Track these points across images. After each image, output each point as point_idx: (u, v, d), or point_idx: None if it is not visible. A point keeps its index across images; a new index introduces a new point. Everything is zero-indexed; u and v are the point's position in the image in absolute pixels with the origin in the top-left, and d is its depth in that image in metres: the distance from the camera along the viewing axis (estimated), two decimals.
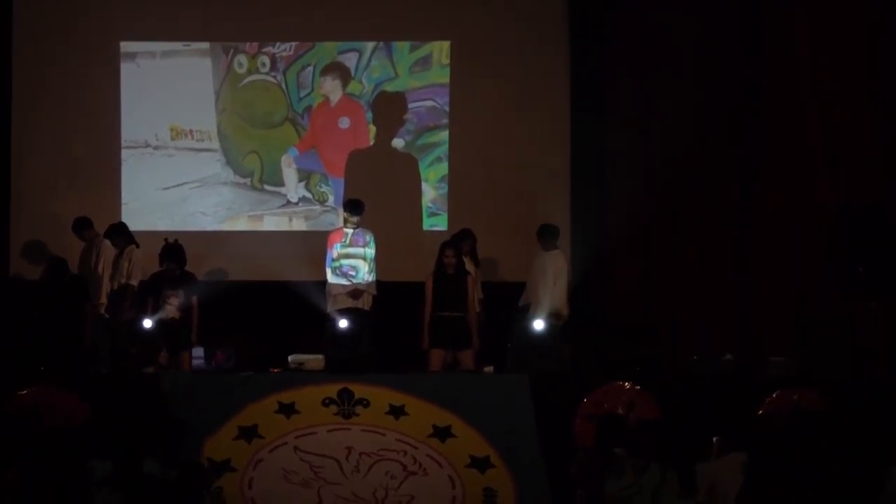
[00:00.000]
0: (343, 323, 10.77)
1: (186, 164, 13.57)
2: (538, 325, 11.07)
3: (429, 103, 13.59)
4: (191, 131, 13.60)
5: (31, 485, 7.85)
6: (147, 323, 10.91)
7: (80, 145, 13.37)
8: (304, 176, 13.55)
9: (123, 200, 13.40)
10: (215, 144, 13.56)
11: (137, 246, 12.13)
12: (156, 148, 13.56)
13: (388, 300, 11.98)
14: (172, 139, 13.58)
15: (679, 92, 12.88)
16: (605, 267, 12.96)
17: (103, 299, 11.99)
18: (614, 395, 9.58)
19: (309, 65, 13.57)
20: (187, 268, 11.62)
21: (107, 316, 11.92)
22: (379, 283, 11.80)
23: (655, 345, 11.53)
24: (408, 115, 13.56)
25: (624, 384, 9.67)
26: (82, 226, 12.38)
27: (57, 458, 7.99)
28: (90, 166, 13.37)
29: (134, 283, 11.93)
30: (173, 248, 11.57)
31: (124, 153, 13.45)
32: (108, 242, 12.19)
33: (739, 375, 10.21)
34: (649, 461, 8.12)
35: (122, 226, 12.33)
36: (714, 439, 8.14)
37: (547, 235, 11.95)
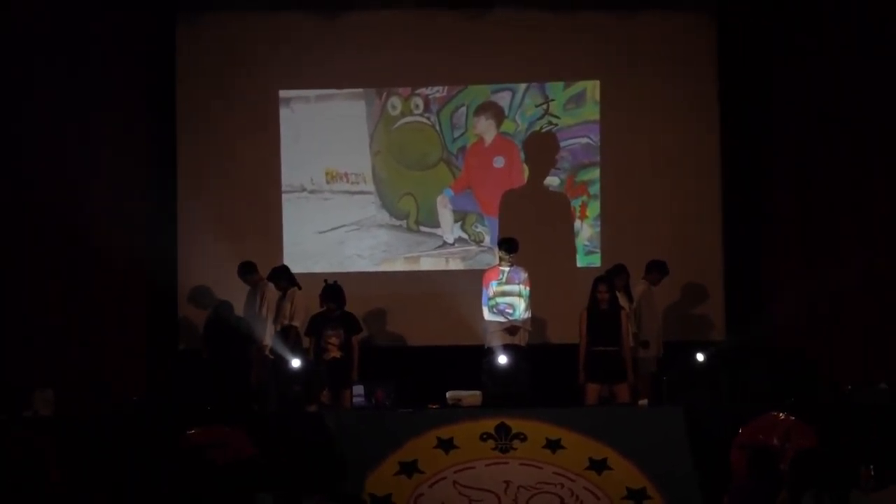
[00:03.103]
0: (502, 359, 10.93)
1: (342, 207, 13.85)
2: (699, 357, 11.21)
3: (583, 140, 13.79)
4: (346, 174, 13.88)
5: None
6: (296, 363, 11.20)
7: (243, 192, 13.77)
8: (460, 216, 13.81)
9: (284, 244, 13.75)
10: (370, 187, 13.85)
11: (300, 288, 12.49)
12: (311, 192, 13.86)
13: (542, 337, 12.28)
14: (328, 183, 13.87)
15: (838, 131, 13.08)
16: (761, 296, 13.16)
17: (268, 341, 12.37)
18: (770, 426, 9.69)
19: (462, 105, 13.83)
20: (347, 308, 12.04)
21: (271, 357, 12.28)
22: (534, 320, 12.17)
23: (812, 374, 11.59)
24: (561, 154, 13.79)
25: (779, 415, 9.79)
26: (247, 270, 12.72)
27: (224, 492, 8.41)
28: (253, 212, 13.73)
29: (297, 323, 12.31)
30: (333, 289, 12.00)
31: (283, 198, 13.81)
32: (271, 285, 12.53)
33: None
34: (804, 491, 8.22)
35: (285, 269, 12.69)
36: (866, 468, 8.21)
37: (664, 270, 12.44)
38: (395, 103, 13.89)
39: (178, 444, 9.63)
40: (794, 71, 13.27)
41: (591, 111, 13.76)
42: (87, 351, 13.09)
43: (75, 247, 13.14)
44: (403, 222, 13.86)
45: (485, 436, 10.04)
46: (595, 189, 13.74)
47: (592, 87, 13.76)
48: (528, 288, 12.03)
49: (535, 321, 12.36)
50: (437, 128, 13.85)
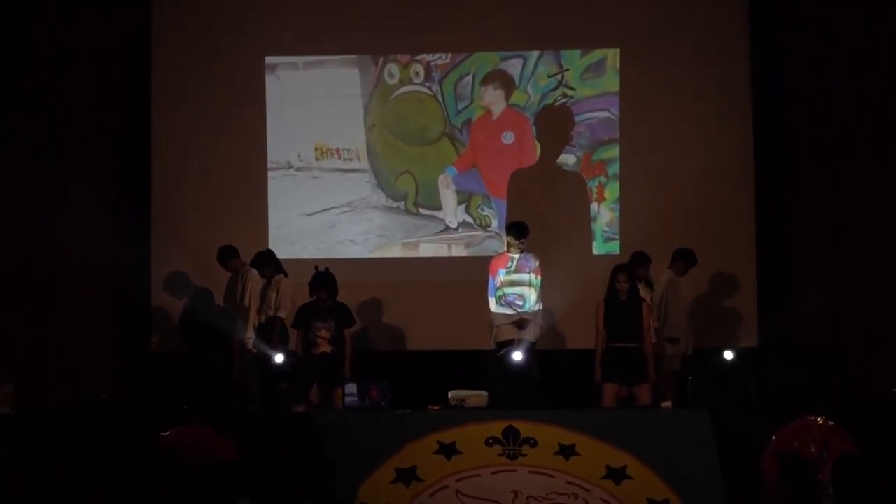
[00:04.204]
0: (517, 356, 10.93)
1: (333, 186, 13.97)
2: (727, 355, 11.26)
3: (602, 114, 13.90)
4: (337, 150, 13.98)
5: None
6: (279, 358, 11.25)
7: (224, 168, 13.89)
8: (464, 198, 13.92)
9: (269, 227, 13.84)
10: (364, 164, 13.95)
11: (286, 275, 12.57)
12: (299, 169, 13.98)
13: (554, 332, 12.37)
14: (317, 159, 13.99)
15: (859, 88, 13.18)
16: (793, 292, 13.28)
17: (251, 333, 12.49)
18: (806, 431, 9.64)
19: (468, 73, 13.93)
20: (340, 298, 12.10)
21: (254, 351, 12.38)
22: (545, 313, 12.28)
23: (850, 376, 11.66)
24: (578, 129, 13.89)
25: (816, 419, 9.81)
26: (228, 255, 12.82)
27: (202, 498, 8.49)
28: (234, 192, 13.86)
29: (283, 315, 12.41)
30: (324, 277, 12.04)
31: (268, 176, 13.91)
32: (254, 272, 12.63)
33: None
34: (843, 500, 8.31)
35: (270, 254, 12.73)
36: None
37: (691, 260, 12.52)
38: (393, 71, 13.97)
39: (153, 446, 9.67)
40: (832, 41, 13.36)
41: (611, 82, 13.86)
42: (49, 343, 13.22)
43: (32, 226, 13.22)
44: (401, 204, 13.97)
45: (491, 440, 10.06)
46: (614, 169, 13.84)
47: (613, 56, 13.86)
48: (539, 277, 12.13)
49: (547, 314, 12.49)
50: (440, 99, 13.95)
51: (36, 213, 13.18)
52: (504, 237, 12.77)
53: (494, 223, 13.85)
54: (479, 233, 13.91)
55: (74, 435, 10.09)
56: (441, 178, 13.94)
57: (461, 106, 13.95)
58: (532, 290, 12.11)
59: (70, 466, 9.91)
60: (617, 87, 13.83)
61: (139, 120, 13.86)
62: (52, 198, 13.31)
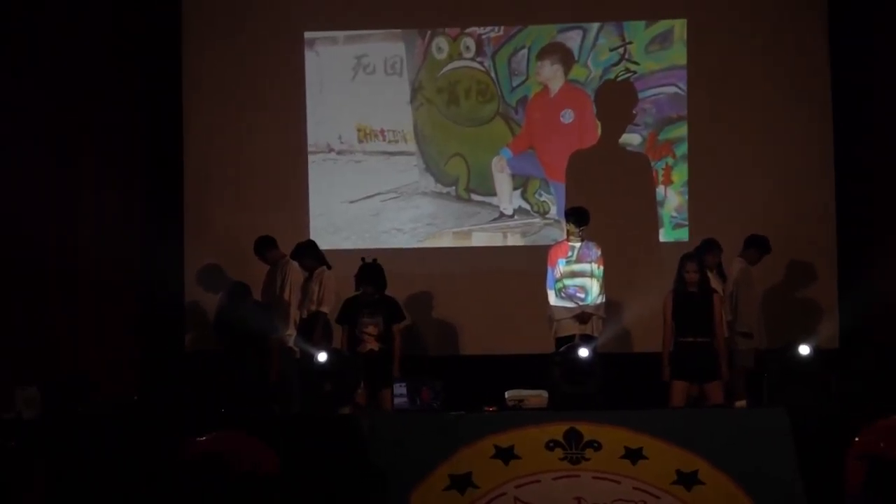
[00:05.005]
0: (583, 352, 10.84)
1: (377, 171, 14.05)
2: (803, 350, 11.27)
3: (669, 90, 13.93)
4: (381, 131, 14.07)
5: None
6: (322, 356, 11.23)
7: (260, 153, 14.01)
8: (520, 182, 13.98)
9: (309, 215, 13.94)
10: (412, 146, 14.05)
11: (329, 267, 12.64)
12: (340, 153, 14.07)
13: (618, 326, 12.44)
14: (360, 142, 14.08)
15: None
16: (875, 283, 13.18)
17: (291, 330, 12.53)
18: (893, 432, 9.73)
19: (522, 47, 13.97)
20: (387, 291, 12.16)
21: (295, 349, 12.45)
22: (608, 306, 12.34)
23: None
24: (642, 106, 13.92)
25: None
26: (265, 246, 12.83)
27: None
28: (272, 178, 13.97)
29: (326, 310, 12.50)
30: (372, 269, 12.10)
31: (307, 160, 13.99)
32: (295, 264, 12.67)
33: None
34: None
35: (311, 244, 12.83)
36: None
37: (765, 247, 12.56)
38: (442, 45, 14.05)
39: (182, 454, 9.75)
40: None
41: (678, 55, 13.90)
42: (75, 343, 13.31)
43: (53, 220, 13.30)
44: (451, 189, 14.04)
45: (552, 444, 10.11)
46: (682, 149, 13.87)
47: (680, 27, 13.89)
48: (601, 267, 12.19)
49: (611, 307, 12.54)
50: (493, 75, 14.00)
51: (57, 206, 13.22)
52: (563, 224, 12.81)
53: (553, 209, 13.90)
54: (537, 220, 13.97)
55: (102, 440, 10.18)
56: (495, 160, 13.99)
57: (516, 82, 13.98)
58: (594, 281, 12.16)
59: (97, 474, 9.99)
60: (684, 61, 13.86)
61: (169, 103, 13.99)
62: (75, 189, 13.37)
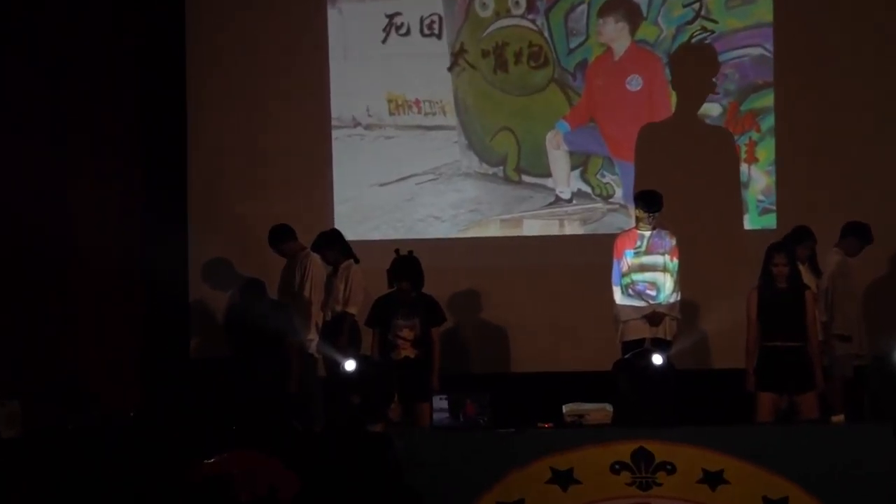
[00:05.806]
0: (657, 359, 10.80)
1: (412, 148, 14.09)
2: None
3: (754, 52, 13.89)
4: (416, 102, 14.09)
5: None
6: (349, 365, 11.31)
7: (275, 129, 14.03)
8: (580, 161, 13.95)
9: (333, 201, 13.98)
10: (452, 120, 14.04)
11: (357, 261, 12.71)
12: (368, 127, 14.09)
13: (695, 329, 12.44)
14: (391, 114, 14.11)
15: None
16: None
17: (313, 334, 12.62)
18: None
19: (581, 2, 13.96)
20: (425, 289, 12.16)
21: (318, 356, 12.56)
22: (684, 306, 12.33)
23: None
24: (723, 71, 13.87)
25: None
26: (282, 237, 12.90)
27: None
28: (289, 157, 14.01)
29: (353, 310, 12.56)
30: (408, 263, 12.10)
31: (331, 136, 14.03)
32: (316, 258, 12.77)
33: None
34: None
35: (336, 234, 12.91)
36: None
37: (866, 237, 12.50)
38: (487, 1, 14.00)
39: (188, 477, 9.80)
40: None
41: (765, 9, 13.87)
42: (64, 350, 13.46)
43: (52, 210, 13.42)
44: (499, 169, 14.05)
45: (617, 466, 10.08)
46: (769, 122, 13.85)
47: None
48: (676, 260, 12.19)
49: (686, 307, 12.52)
50: (547, 34, 13.99)
51: (51, 195, 13.38)
52: (631, 210, 12.87)
53: (618, 192, 13.90)
54: (599, 205, 13.96)
55: (93, 462, 10.22)
56: (549, 135, 13.99)
57: (574, 44, 13.98)
58: (667, 275, 12.17)
59: (88, 501, 10.04)
60: (771, 17, 13.82)
61: (170, 72, 14.04)
62: (67, 174, 13.54)
